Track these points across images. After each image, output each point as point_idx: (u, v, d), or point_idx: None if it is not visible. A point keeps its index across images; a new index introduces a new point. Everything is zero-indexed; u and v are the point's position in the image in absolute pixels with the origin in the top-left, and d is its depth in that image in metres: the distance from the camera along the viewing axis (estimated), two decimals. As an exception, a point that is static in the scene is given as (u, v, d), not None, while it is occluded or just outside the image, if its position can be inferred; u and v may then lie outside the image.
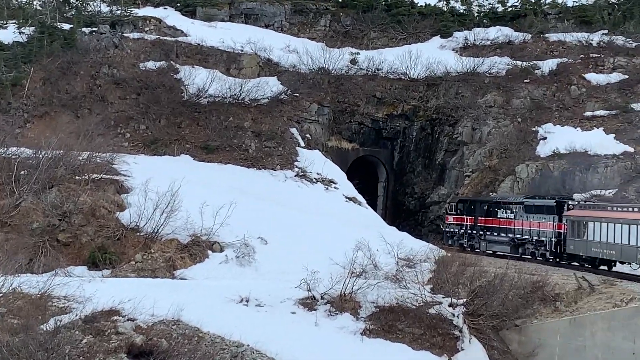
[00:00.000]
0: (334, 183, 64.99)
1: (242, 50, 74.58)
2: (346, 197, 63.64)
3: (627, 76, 74.74)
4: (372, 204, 75.50)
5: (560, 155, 67.82)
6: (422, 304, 40.64)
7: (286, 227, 52.19)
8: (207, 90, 67.98)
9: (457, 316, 40.10)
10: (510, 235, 58.24)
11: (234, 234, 49.23)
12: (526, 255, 56.60)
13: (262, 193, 58.90)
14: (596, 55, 77.54)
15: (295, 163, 65.97)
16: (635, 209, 46.72)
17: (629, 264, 46.42)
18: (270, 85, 70.88)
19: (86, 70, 68.45)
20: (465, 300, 40.74)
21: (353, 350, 37.16)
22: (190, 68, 70.12)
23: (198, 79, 68.37)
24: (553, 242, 53.23)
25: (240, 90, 68.99)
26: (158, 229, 47.58)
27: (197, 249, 48.00)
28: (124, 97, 67.63)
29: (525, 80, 75.53)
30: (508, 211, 59.26)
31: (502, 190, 68.14)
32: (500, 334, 40.22)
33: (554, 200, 54.87)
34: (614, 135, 68.44)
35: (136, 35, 72.70)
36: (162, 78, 68.81)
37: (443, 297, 41.39)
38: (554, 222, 53.37)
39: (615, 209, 48.78)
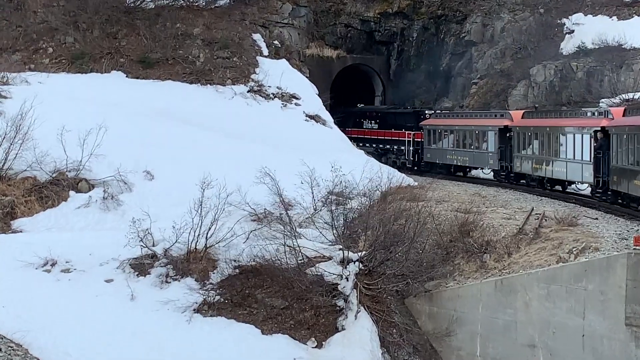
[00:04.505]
0: (297, 98, 52.34)
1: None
2: (307, 116, 51.09)
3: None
4: (369, 122, 63.64)
5: (586, 51, 53.64)
6: (302, 260, 28.49)
7: (193, 159, 39.77)
8: (150, -9, 55.86)
9: (347, 278, 27.80)
10: (375, 145, 58.19)
11: (115, 167, 37.59)
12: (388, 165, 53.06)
13: (191, 115, 46.75)
14: None
15: (253, 76, 53.25)
16: (485, 116, 48.13)
17: (482, 169, 47.95)
18: (231, -17, 58.15)
19: (6, -26, 56.98)
20: (362, 254, 28.38)
21: (170, 337, 25.42)
22: (136, -35, 57.83)
23: (138, -23, 56.18)
24: (411, 151, 53.92)
25: (193, -11, 56.64)
26: (4, 165, 36.40)
27: (54, 189, 36.53)
28: (49, 4, 55.95)
29: (555, -40, 61.12)
30: (372, 122, 59.68)
31: (513, 99, 54.68)
32: (406, 303, 27.66)
33: (413, 110, 56.14)
34: (659, 22, 53.96)
35: None
36: (98, -21, 56.83)
37: (340, 250, 29.08)
38: (412, 131, 53.90)
39: (466, 116, 50.47)
